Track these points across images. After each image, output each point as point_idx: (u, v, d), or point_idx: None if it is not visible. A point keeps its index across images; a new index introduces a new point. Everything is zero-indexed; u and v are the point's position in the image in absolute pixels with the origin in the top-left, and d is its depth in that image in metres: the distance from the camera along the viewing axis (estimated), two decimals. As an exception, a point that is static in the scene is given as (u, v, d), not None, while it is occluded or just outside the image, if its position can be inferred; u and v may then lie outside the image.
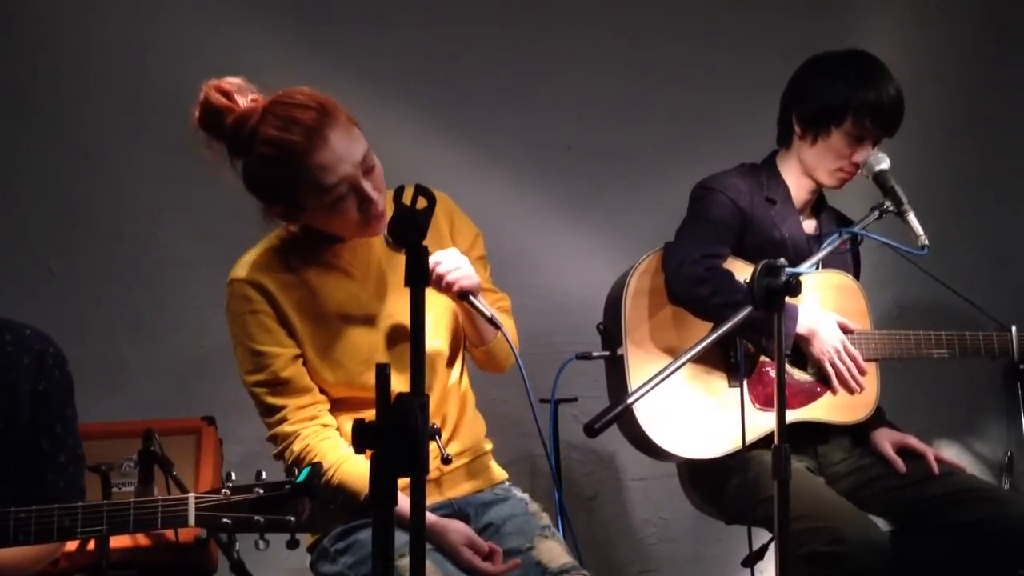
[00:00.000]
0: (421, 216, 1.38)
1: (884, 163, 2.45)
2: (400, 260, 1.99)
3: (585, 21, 3.39)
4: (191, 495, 1.71)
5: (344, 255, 2.12)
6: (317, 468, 1.74)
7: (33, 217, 3.01)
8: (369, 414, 2.04)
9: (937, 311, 3.05)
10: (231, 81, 2.01)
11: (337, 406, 2.10)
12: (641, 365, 2.48)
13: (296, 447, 2.02)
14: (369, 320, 2.10)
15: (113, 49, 3.02)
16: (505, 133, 3.26)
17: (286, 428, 2.04)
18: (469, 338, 2.17)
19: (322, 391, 2.09)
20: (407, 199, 1.45)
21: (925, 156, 2.86)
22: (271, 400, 2.05)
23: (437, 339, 2.14)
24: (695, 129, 3.40)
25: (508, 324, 2.18)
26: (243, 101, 1.99)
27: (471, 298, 2.02)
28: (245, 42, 3.07)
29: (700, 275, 2.42)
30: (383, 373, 1.26)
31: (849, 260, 2.71)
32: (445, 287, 2.01)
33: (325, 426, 2.07)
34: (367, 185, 1.97)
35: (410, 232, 1.37)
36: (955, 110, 3.67)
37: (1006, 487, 3.64)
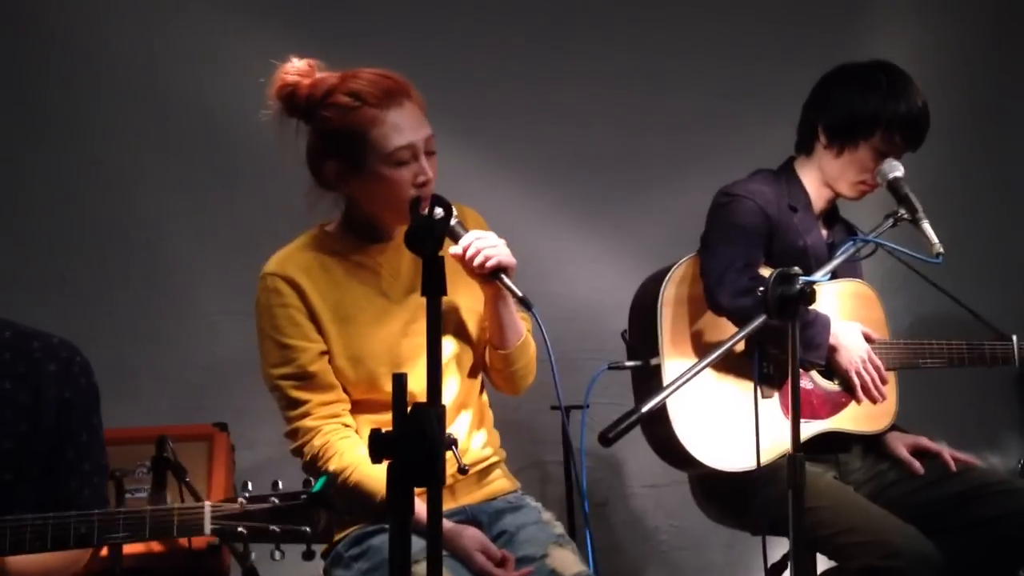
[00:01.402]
0: (437, 226, 1.38)
1: (898, 170, 2.44)
2: None
3: (593, 30, 3.39)
4: (207, 504, 1.71)
5: (376, 257, 2.14)
6: (332, 478, 1.73)
7: (45, 223, 3.02)
8: (389, 417, 2.07)
9: (950, 317, 3.04)
10: (314, 61, 2.09)
11: (357, 407, 2.11)
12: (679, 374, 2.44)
13: (317, 442, 2.03)
14: (395, 323, 2.11)
15: (126, 57, 3.03)
16: (514, 140, 3.26)
17: (308, 423, 2.04)
18: (492, 339, 2.16)
19: (344, 391, 2.10)
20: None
21: (935, 163, 2.85)
22: (296, 394, 2.05)
23: (464, 350, 2.15)
24: (702, 137, 3.40)
25: (530, 348, 2.19)
26: (322, 75, 2.07)
27: (503, 276, 2.02)
28: (256, 51, 3.03)
29: (745, 285, 2.39)
30: (399, 383, 1.26)
31: (859, 269, 2.69)
32: (482, 261, 2.01)
33: (346, 426, 2.07)
34: (427, 163, 2.04)
35: (426, 242, 1.36)
36: (964, 118, 3.66)
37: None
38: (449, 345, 2.14)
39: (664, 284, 2.51)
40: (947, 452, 2.54)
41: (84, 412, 1.87)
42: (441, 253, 1.36)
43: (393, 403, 1.27)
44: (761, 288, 1.87)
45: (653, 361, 2.48)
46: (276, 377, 2.06)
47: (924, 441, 2.58)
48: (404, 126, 2.02)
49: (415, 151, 2.03)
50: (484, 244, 2.01)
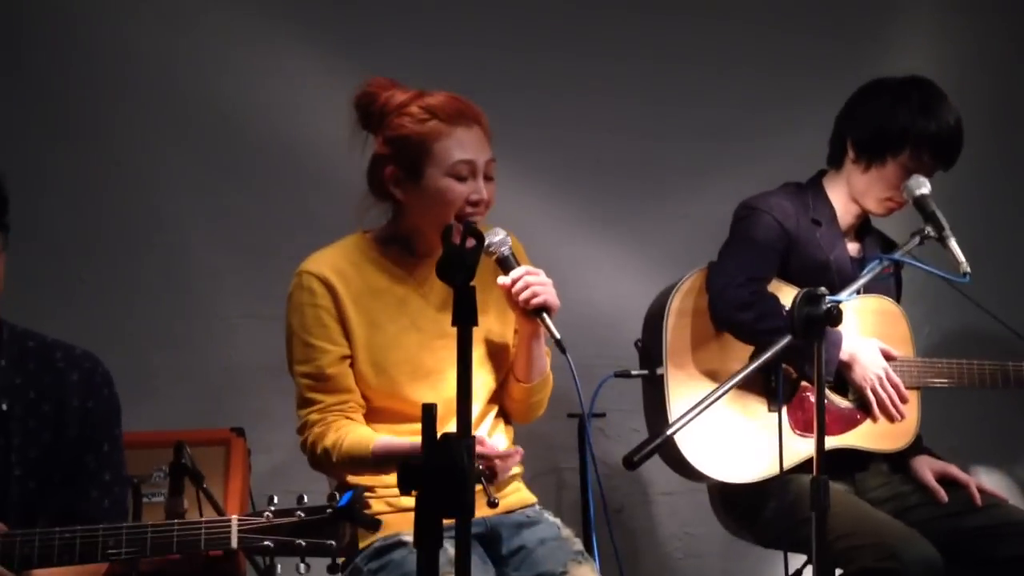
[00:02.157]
0: (469, 255, 1.37)
1: (925, 187, 2.42)
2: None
3: (613, 39, 3.37)
4: (234, 517, 1.73)
5: (413, 269, 2.17)
6: (359, 493, 1.74)
7: (64, 225, 3.02)
8: (408, 428, 2.07)
9: (969, 328, 3.03)
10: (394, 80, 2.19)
11: (377, 416, 2.12)
12: (681, 386, 2.46)
13: (317, 430, 2.07)
14: (424, 335, 2.13)
15: (148, 59, 3.03)
16: (533, 147, 3.24)
17: (314, 416, 2.08)
18: (516, 371, 2.19)
19: (364, 398, 2.12)
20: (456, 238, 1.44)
21: (954, 176, 2.84)
22: (310, 394, 2.09)
23: (487, 371, 2.18)
24: (721, 145, 3.38)
25: (549, 384, 2.23)
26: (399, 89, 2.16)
27: (545, 316, 2.05)
28: (278, 56, 3.08)
29: (745, 299, 2.39)
30: (429, 414, 1.25)
31: (892, 284, 2.67)
32: (528, 296, 2.04)
33: (350, 418, 2.10)
34: (483, 185, 2.10)
35: (458, 271, 1.36)
36: (985, 128, 3.61)
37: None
38: (475, 366, 2.14)
39: (672, 295, 2.52)
40: (975, 484, 2.51)
41: (106, 422, 1.90)
42: (473, 281, 1.36)
43: (423, 433, 1.26)
44: (787, 309, 1.86)
45: (658, 371, 2.49)
46: (296, 374, 2.11)
47: (953, 470, 2.55)
48: (468, 144, 2.09)
49: (474, 169, 2.09)
50: (534, 281, 2.05)
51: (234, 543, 1.72)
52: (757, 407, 2.47)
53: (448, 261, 1.38)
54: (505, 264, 2.08)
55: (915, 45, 3.60)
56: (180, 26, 3.05)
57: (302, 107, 3.09)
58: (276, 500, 1.75)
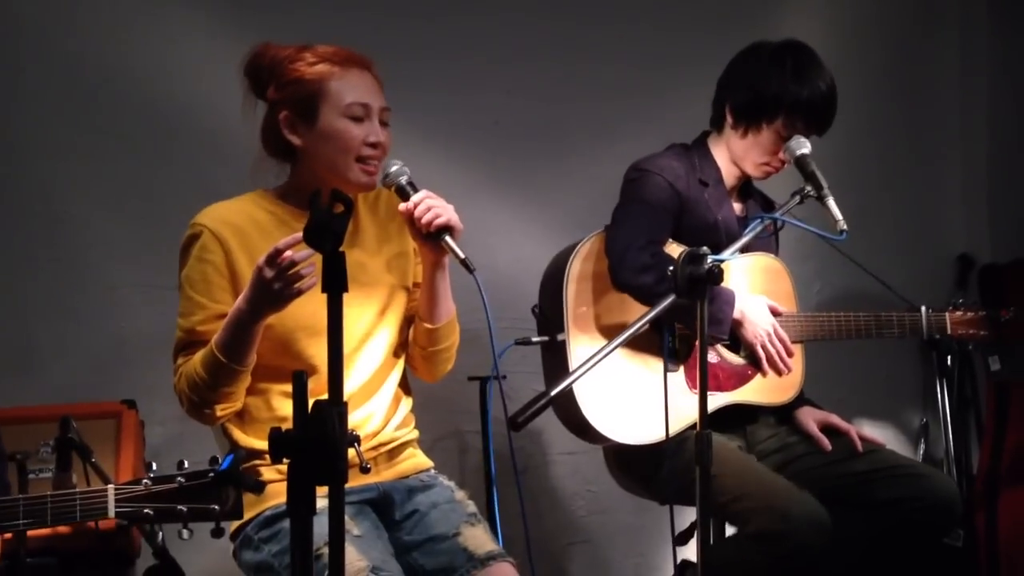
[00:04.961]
0: (337, 221, 1.36)
1: (805, 147, 2.44)
2: (365, 241, 2.07)
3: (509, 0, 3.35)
4: (111, 486, 1.69)
5: None
6: (241, 455, 1.73)
7: (-63, 193, 2.89)
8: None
9: (859, 283, 3.11)
10: None
11: (268, 374, 2.08)
12: (583, 351, 2.45)
13: (181, 370, 2.05)
14: (318, 290, 2.08)
15: (33, 23, 2.88)
16: (431, 111, 3.20)
17: (180, 361, 2.07)
18: (421, 311, 2.17)
19: (256, 354, 2.06)
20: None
21: (850, 132, 2.90)
22: (181, 345, 2.07)
23: (387, 327, 2.16)
24: (622, 105, 3.39)
25: (455, 332, 2.22)
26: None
27: (448, 237, 2.04)
28: (173, 20, 2.97)
29: (646, 262, 2.41)
30: (300, 381, 1.24)
31: (772, 242, 2.73)
32: (431, 218, 2.03)
33: None
34: (379, 128, 2.09)
35: (327, 237, 1.34)
36: (880, 86, 3.72)
37: (921, 452, 3.77)
38: (372, 319, 2.14)
39: (570, 260, 2.53)
40: (855, 432, 2.59)
41: None
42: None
43: (293, 402, 1.25)
44: (671, 268, 1.89)
45: (559, 337, 2.50)
46: (178, 325, 2.09)
47: (834, 419, 2.63)
48: (361, 87, 2.09)
49: (369, 111, 2.09)
50: (435, 203, 2.05)
51: (111, 512, 1.69)
52: (657, 368, 2.49)
53: (315, 226, 1.36)
54: (403, 192, 2.08)
55: (814, 3, 3.65)
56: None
57: (195, 70, 2.99)
58: (155, 467, 1.72)
